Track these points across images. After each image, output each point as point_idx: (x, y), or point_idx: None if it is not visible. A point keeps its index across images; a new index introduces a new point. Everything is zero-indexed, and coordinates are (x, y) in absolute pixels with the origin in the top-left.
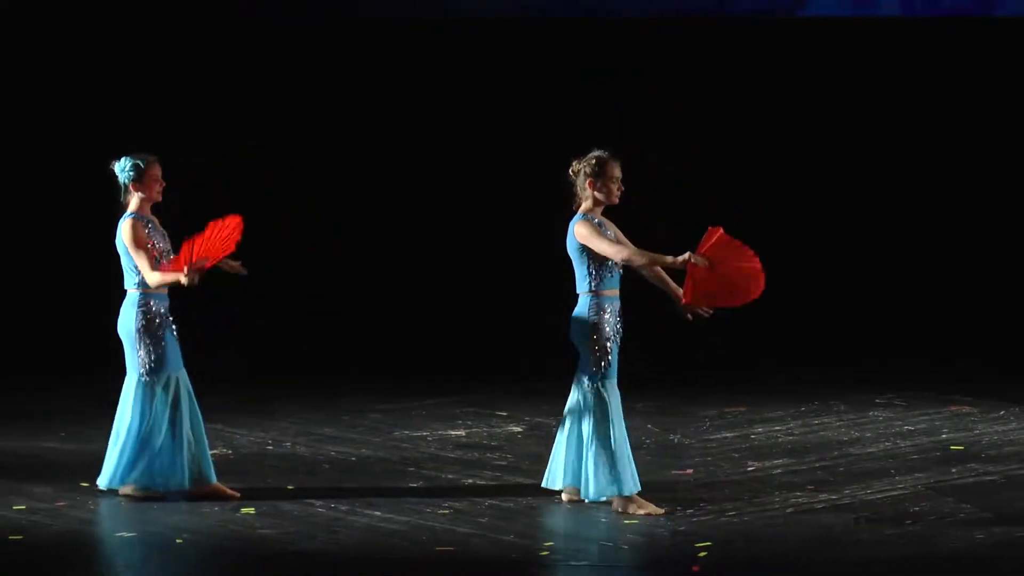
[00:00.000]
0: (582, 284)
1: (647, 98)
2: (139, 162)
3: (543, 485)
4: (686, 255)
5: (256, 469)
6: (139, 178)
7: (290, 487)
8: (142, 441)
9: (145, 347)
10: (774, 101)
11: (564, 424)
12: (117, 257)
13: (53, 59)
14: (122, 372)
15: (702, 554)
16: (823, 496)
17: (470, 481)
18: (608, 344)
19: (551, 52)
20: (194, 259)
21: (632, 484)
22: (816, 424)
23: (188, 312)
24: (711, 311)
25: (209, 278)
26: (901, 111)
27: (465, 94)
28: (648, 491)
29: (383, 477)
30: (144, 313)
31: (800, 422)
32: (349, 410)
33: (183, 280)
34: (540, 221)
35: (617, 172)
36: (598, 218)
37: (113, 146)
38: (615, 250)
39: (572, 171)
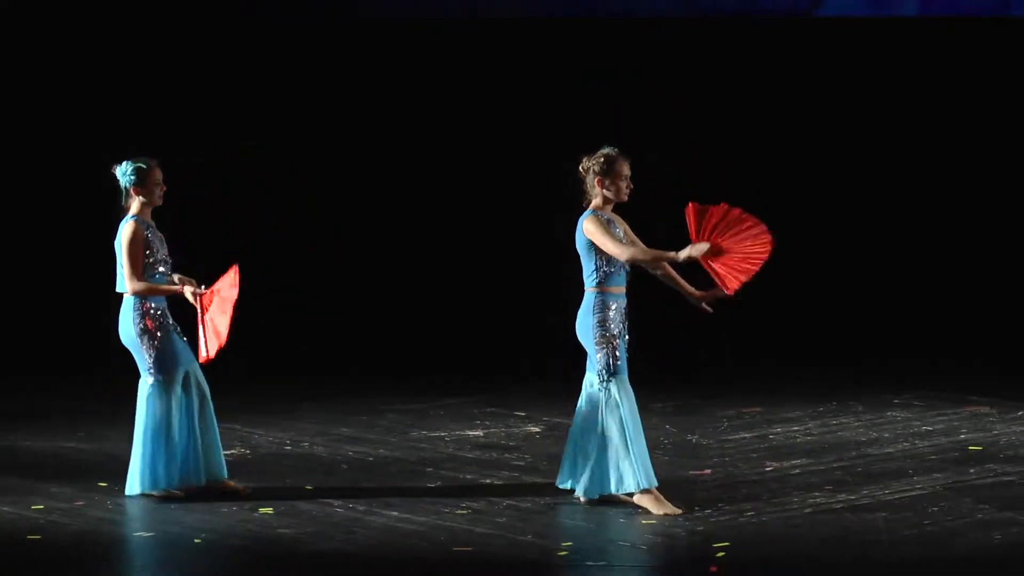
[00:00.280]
0: (589, 280)
1: (658, 98)
2: (141, 166)
3: (557, 484)
4: (687, 250)
5: (274, 469)
6: (140, 182)
7: (308, 487)
8: (163, 443)
9: (151, 348)
10: (790, 101)
11: (575, 423)
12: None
13: (53, 60)
14: (132, 373)
15: (720, 554)
16: (841, 496)
17: (488, 481)
18: (615, 340)
19: (552, 52)
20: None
21: (644, 480)
22: (834, 424)
23: (189, 312)
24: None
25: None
26: (918, 110)
27: (465, 94)
28: (666, 491)
29: (401, 477)
30: (143, 316)
31: (818, 422)
32: (367, 410)
33: (188, 295)
34: (547, 220)
35: (626, 170)
36: (608, 215)
37: (113, 146)
38: (620, 250)
39: (582, 169)
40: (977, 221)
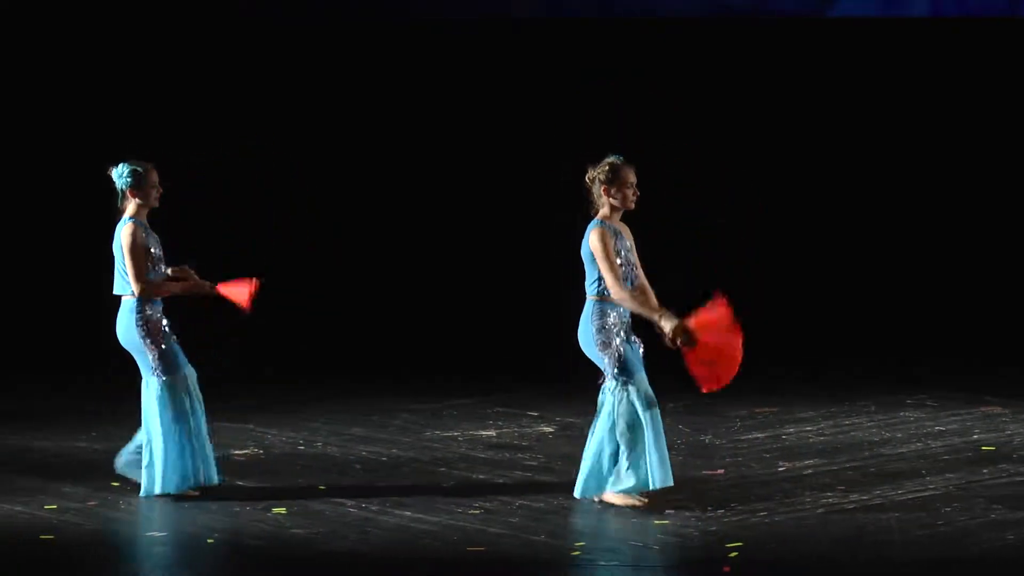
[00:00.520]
0: (591, 288)
1: (670, 99)
2: (137, 168)
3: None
4: (669, 325)
5: (288, 469)
6: (137, 184)
7: (321, 487)
8: (186, 441)
9: (155, 349)
10: (801, 101)
11: (592, 427)
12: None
13: (53, 60)
14: (130, 373)
15: (733, 554)
16: (854, 497)
17: (501, 481)
18: (616, 344)
19: (556, 52)
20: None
21: (650, 480)
22: (847, 424)
23: (190, 313)
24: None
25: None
26: (929, 110)
27: (465, 94)
28: (679, 491)
29: (414, 477)
30: (142, 318)
31: (831, 422)
32: (380, 410)
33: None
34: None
35: (632, 178)
36: (615, 225)
37: (113, 146)
38: (611, 282)
39: (588, 179)
40: (990, 220)
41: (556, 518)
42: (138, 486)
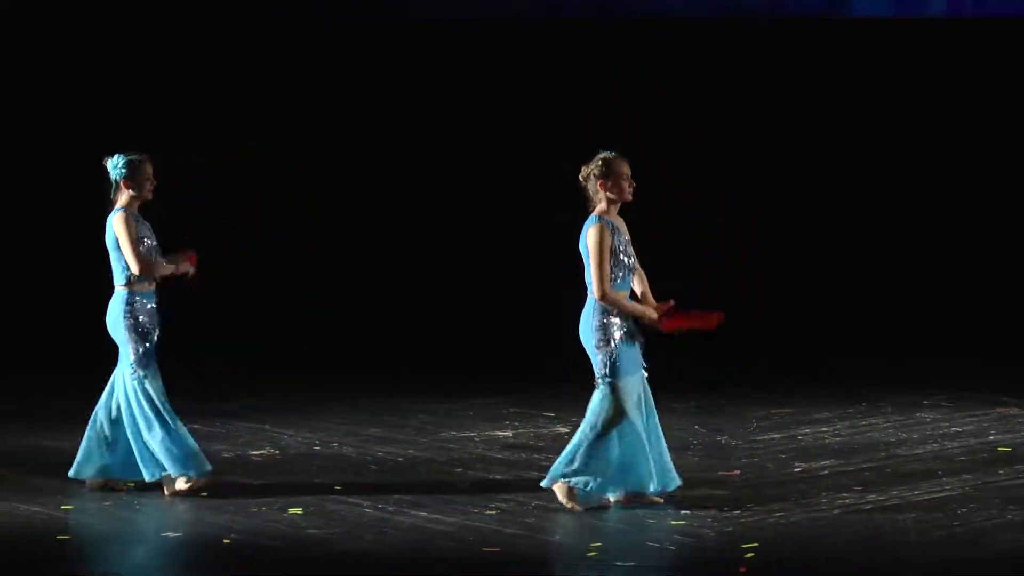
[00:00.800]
0: (592, 285)
1: (669, 98)
2: (132, 159)
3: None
4: (655, 317)
5: (304, 469)
6: (131, 176)
7: (337, 487)
8: (173, 427)
9: (136, 342)
10: (816, 100)
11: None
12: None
13: (53, 59)
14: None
15: (749, 555)
16: (870, 497)
17: (517, 482)
18: (614, 344)
19: (552, 53)
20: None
21: (632, 482)
22: (863, 425)
23: (192, 313)
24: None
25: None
26: (945, 109)
27: (465, 94)
28: (695, 491)
29: (430, 477)
30: (132, 310)
31: (847, 423)
32: (396, 411)
33: (180, 269)
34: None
35: (626, 169)
36: (613, 221)
37: (114, 147)
38: (597, 284)
39: (582, 177)
40: (1008, 220)
41: (572, 519)
42: (147, 485)
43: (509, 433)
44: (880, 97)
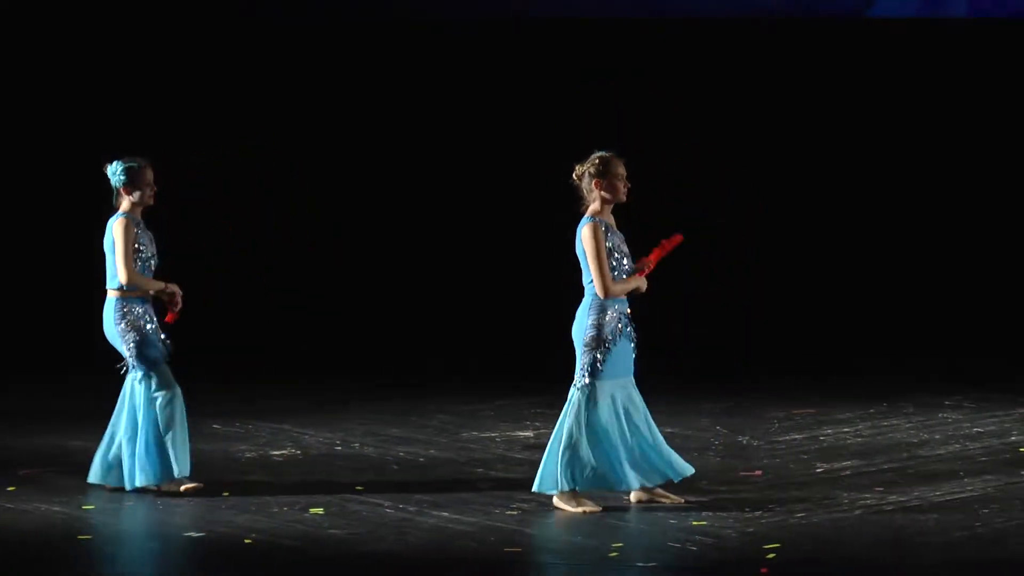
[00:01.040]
0: (589, 285)
1: (669, 98)
2: (132, 166)
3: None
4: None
5: (325, 469)
6: (131, 182)
7: (358, 488)
8: (178, 432)
9: (133, 345)
10: (844, 101)
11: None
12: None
13: (53, 59)
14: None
15: (770, 556)
16: (892, 498)
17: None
18: (604, 345)
19: (552, 53)
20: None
21: (567, 483)
22: (885, 426)
23: (195, 313)
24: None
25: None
26: (969, 110)
27: (465, 94)
28: (716, 492)
29: (451, 478)
30: (124, 314)
31: (869, 424)
32: (417, 411)
33: (165, 288)
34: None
35: (621, 169)
36: (606, 221)
37: (114, 147)
38: (599, 281)
39: (576, 176)
40: None
41: (593, 519)
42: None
43: (530, 433)
44: (881, 97)
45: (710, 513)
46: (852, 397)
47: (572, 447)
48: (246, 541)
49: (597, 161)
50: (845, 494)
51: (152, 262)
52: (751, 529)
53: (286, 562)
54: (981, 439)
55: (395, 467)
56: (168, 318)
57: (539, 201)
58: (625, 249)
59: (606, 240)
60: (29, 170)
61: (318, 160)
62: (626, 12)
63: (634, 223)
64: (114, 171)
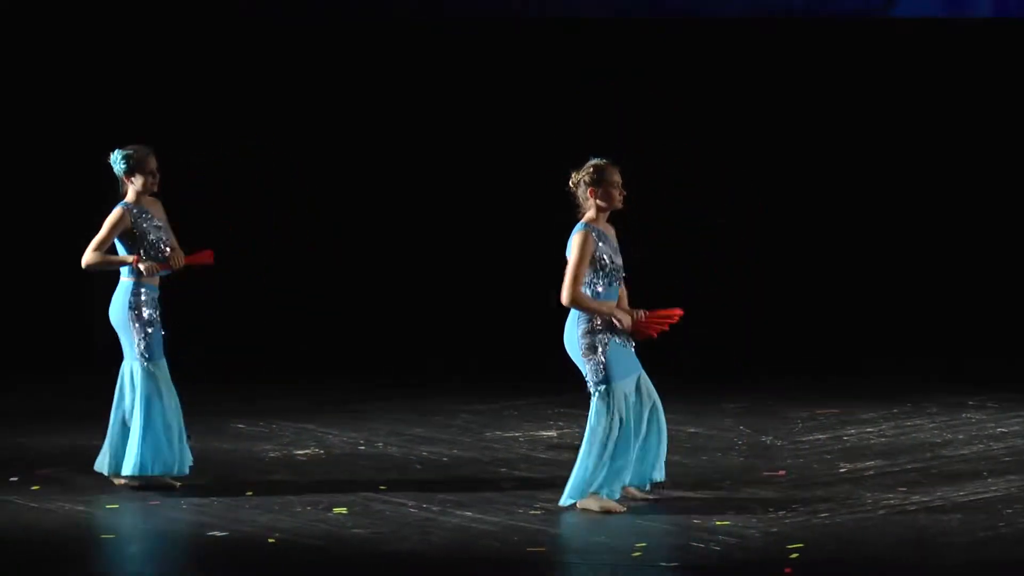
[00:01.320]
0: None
1: (669, 98)
2: (131, 153)
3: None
4: (628, 323)
5: (348, 469)
6: (131, 170)
7: (382, 487)
8: (160, 426)
9: (139, 333)
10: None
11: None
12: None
13: (53, 59)
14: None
15: (794, 555)
16: (915, 498)
17: (561, 482)
18: (600, 349)
19: (552, 53)
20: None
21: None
22: (908, 426)
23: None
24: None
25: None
26: (991, 110)
27: (465, 94)
28: (740, 491)
29: (474, 477)
30: (134, 301)
31: (892, 424)
32: (441, 411)
33: (140, 266)
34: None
35: (616, 177)
36: (598, 228)
37: (113, 146)
38: (568, 284)
39: (572, 183)
40: None
41: (616, 519)
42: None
43: (553, 433)
44: (894, 97)
45: (733, 513)
46: (876, 397)
47: (606, 455)
48: (269, 540)
49: (592, 169)
50: (868, 494)
51: (161, 244)
52: (775, 529)
53: (309, 561)
54: (1005, 439)
55: (418, 467)
56: (200, 257)
57: (539, 201)
58: (619, 261)
59: (596, 249)
60: (30, 170)
61: (318, 160)
62: (626, 12)
63: (634, 223)
64: (115, 160)
